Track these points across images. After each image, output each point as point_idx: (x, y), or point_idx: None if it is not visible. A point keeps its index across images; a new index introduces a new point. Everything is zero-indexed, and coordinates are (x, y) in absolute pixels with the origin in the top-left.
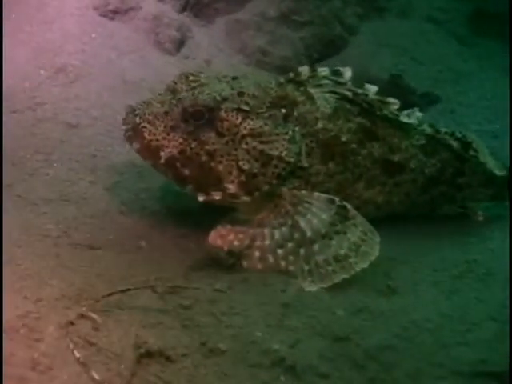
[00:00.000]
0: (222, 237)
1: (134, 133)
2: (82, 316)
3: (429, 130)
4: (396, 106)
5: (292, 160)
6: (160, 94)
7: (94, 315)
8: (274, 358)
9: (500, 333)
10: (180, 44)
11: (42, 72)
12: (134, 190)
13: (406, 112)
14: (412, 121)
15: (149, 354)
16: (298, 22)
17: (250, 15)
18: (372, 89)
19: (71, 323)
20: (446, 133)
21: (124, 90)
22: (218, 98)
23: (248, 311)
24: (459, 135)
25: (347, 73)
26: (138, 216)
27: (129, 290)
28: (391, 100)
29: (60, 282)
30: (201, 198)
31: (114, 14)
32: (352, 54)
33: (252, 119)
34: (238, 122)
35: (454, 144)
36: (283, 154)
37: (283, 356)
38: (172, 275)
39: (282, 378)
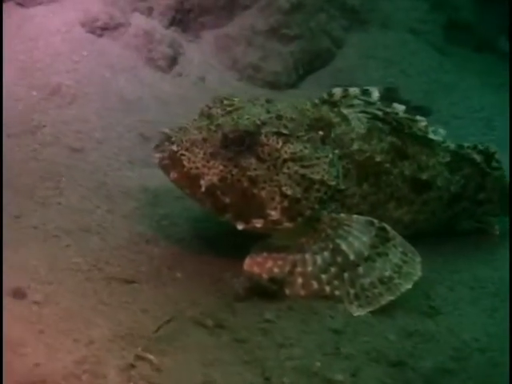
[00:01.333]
0: (259, 264)
1: (171, 161)
2: (139, 357)
3: (452, 146)
4: (424, 124)
5: (334, 183)
6: (195, 120)
7: (150, 356)
8: None
9: None
10: (173, 61)
11: (34, 93)
12: (153, 217)
13: (431, 129)
14: (438, 138)
15: None
16: (288, 36)
17: (238, 29)
18: (400, 108)
19: (132, 366)
20: (468, 147)
21: (123, 110)
22: (258, 122)
23: (302, 341)
24: (481, 147)
25: (375, 92)
26: (164, 244)
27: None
28: (419, 118)
29: (106, 320)
30: (240, 227)
31: (102, 30)
32: (340, 66)
33: (292, 143)
34: (279, 146)
35: (477, 158)
36: (325, 178)
37: None
38: (216, 307)
39: None
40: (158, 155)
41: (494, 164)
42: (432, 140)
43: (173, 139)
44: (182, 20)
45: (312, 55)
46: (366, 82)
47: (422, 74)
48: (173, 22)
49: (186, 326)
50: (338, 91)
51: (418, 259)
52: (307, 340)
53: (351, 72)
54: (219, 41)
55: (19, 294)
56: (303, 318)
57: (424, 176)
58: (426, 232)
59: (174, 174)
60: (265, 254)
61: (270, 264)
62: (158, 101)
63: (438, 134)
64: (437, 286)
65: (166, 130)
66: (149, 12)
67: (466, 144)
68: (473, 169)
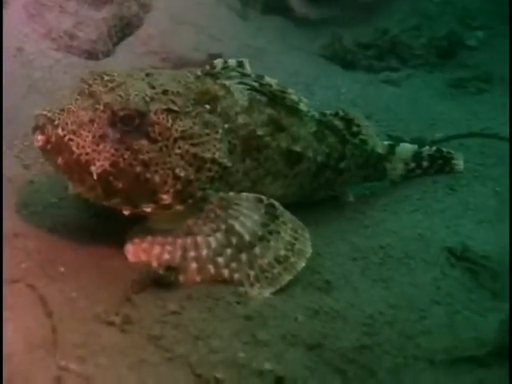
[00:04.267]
0: (146, 251)
1: (57, 146)
2: (62, 368)
3: (317, 115)
4: (294, 96)
5: (225, 161)
6: (77, 99)
7: (73, 366)
8: (272, 378)
9: (451, 317)
10: None
11: None
12: (12, 207)
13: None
14: (305, 108)
15: None
16: (99, 1)
17: None
18: (273, 80)
19: (59, 379)
20: (330, 114)
21: None
22: (147, 98)
23: (217, 330)
24: (342, 114)
25: (247, 64)
26: (35, 237)
27: None
28: (290, 90)
29: (15, 329)
30: (126, 212)
31: None
32: (151, 32)
33: (181, 120)
34: (169, 124)
35: (339, 124)
36: (216, 156)
37: (279, 375)
38: (115, 302)
39: None
40: (40, 137)
41: (355, 129)
42: (301, 110)
43: (56, 122)
44: None
45: (123, 21)
46: (182, 48)
47: (233, 39)
48: None
49: (94, 326)
50: (219, 63)
51: (307, 235)
52: (221, 329)
53: (163, 38)
54: (30, 7)
55: None
56: (208, 305)
57: (298, 148)
58: (289, 204)
59: (61, 161)
60: (149, 239)
61: (157, 250)
62: None
63: (303, 102)
64: (318, 258)
65: (45, 112)
66: None
67: (328, 111)
68: (335, 137)
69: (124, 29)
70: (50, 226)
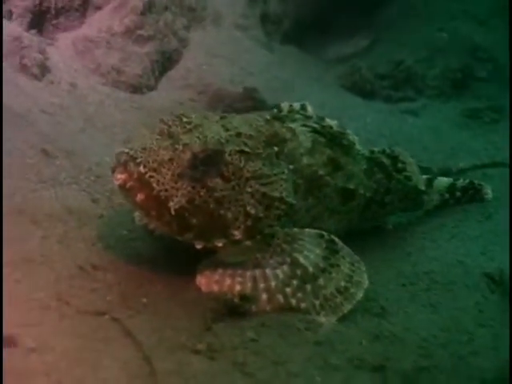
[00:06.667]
0: (218, 282)
1: (138, 183)
2: None
3: (366, 153)
4: (351, 137)
5: (291, 200)
6: (157, 139)
7: None
8: None
9: (495, 339)
10: (44, 67)
11: None
12: (87, 240)
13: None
14: (359, 147)
15: None
16: (143, 37)
17: (96, 31)
18: (333, 122)
19: None
20: (378, 151)
21: (17, 125)
22: (222, 140)
23: (293, 356)
24: (388, 151)
25: (309, 106)
26: (113, 269)
27: None
28: (348, 131)
29: (111, 360)
30: (199, 246)
31: None
32: (189, 66)
33: (253, 161)
34: (242, 164)
35: (386, 161)
36: (283, 195)
37: None
38: (198, 331)
39: None
40: (120, 176)
41: (400, 166)
42: (355, 149)
43: (138, 160)
44: (38, 23)
45: (164, 56)
46: (218, 81)
47: (262, 72)
48: (31, 25)
49: (183, 354)
50: (285, 106)
51: (364, 268)
52: (295, 354)
53: (200, 72)
54: (78, 44)
55: (11, 342)
56: (280, 332)
57: (351, 185)
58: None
59: (141, 197)
60: (220, 272)
61: (229, 282)
62: (43, 112)
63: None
64: (371, 286)
65: (126, 150)
66: (9, 16)
67: (375, 149)
68: (382, 173)
69: (165, 63)
70: (124, 258)
